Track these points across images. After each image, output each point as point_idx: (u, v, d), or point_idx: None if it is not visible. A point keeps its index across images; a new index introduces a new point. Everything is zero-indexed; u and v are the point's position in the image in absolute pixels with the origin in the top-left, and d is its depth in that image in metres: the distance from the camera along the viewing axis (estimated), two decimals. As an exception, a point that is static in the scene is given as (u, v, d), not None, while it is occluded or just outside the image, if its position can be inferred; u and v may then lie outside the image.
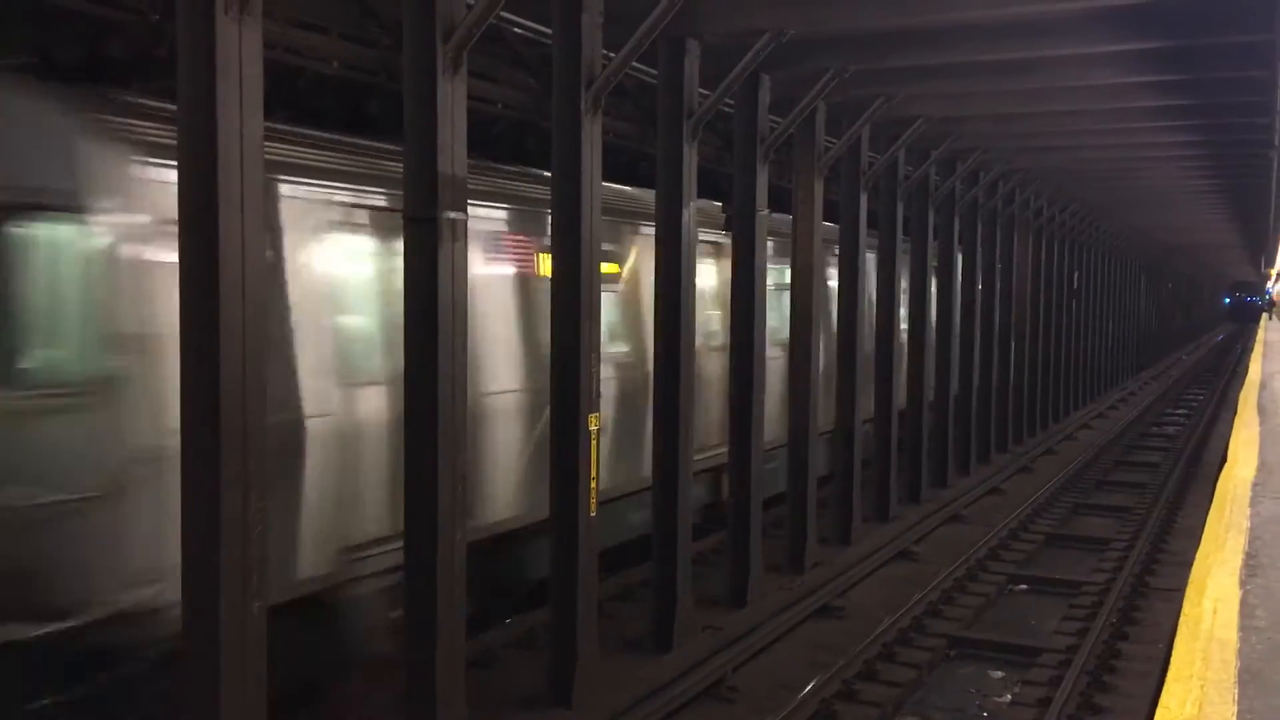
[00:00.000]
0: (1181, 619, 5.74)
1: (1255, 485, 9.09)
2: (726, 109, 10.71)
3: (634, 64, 8.77)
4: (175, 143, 5.64)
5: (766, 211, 10.83)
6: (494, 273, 9.22)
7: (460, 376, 6.99)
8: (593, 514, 8.23)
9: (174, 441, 5.68)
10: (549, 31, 8.31)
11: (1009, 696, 9.10)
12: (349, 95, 12.07)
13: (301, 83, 10.86)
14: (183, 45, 5.53)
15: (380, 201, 8.07)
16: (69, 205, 6.51)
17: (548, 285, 8.26)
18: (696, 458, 10.14)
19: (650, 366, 9.91)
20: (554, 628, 8.29)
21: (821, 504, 12.70)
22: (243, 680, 5.63)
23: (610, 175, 8.96)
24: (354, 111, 12.56)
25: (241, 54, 5.49)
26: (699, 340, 10.07)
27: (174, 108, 5.65)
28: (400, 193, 7.04)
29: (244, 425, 5.60)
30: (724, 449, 11.18)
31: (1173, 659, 5.04)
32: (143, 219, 6.61)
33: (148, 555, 6.40)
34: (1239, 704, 4.31)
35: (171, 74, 5.64)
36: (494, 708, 8.22)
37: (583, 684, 8.13)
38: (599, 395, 8.26)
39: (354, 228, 8.01)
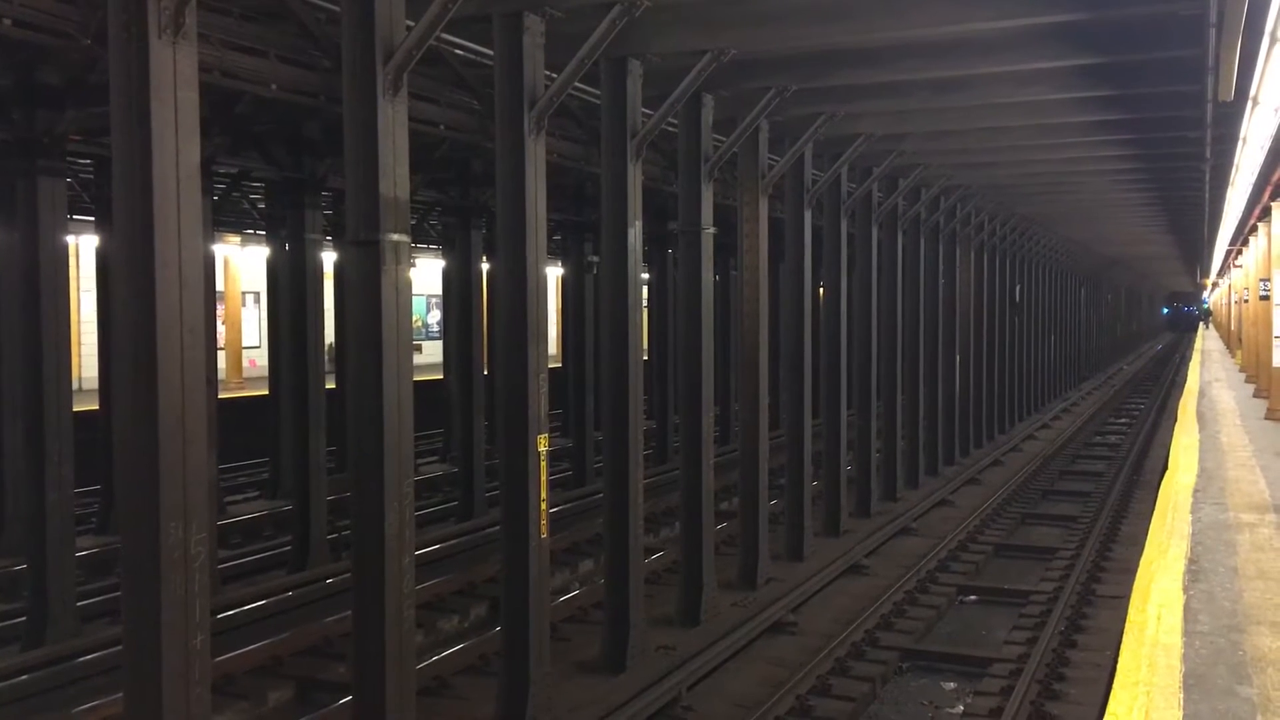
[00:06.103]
0: (1127, 626, 5.80)
1: (1196, 492, 9.24)
2: (670, 128, 10.74)
3: (577, 84, 8.77)
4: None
5: (712, 229, 10.87)
6: None
7: (406, 400, 6.90)
8: (544, 535, 8.17)
9: None
10: (491, 53, 8.28)
11: (961, 707, 9.14)
12: (289, 118, 11.96)
13: (240, 107, 10.76)
14: (116, 69, 5.44)
15: None
16: None
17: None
18: None
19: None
20: (506, 652, 8.21)
21: (773, 520, 12.70)
22: (186, 718, 5.50)
23: (555, 196, 8.97)
24: (294, 134, 12.49)
25: (176, 77, 5.42)
26: None
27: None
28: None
29: (184, 455, 5.49)
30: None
31: (1119, 666, 5.10)
32: None
33: None
34: (1184, 708, 4.36)
35: (106, 99, 5.55)
36: (446, 735, 8.13)
37: (536, 709, 8.05)
38: (548, 417, 8.22)
39: None
